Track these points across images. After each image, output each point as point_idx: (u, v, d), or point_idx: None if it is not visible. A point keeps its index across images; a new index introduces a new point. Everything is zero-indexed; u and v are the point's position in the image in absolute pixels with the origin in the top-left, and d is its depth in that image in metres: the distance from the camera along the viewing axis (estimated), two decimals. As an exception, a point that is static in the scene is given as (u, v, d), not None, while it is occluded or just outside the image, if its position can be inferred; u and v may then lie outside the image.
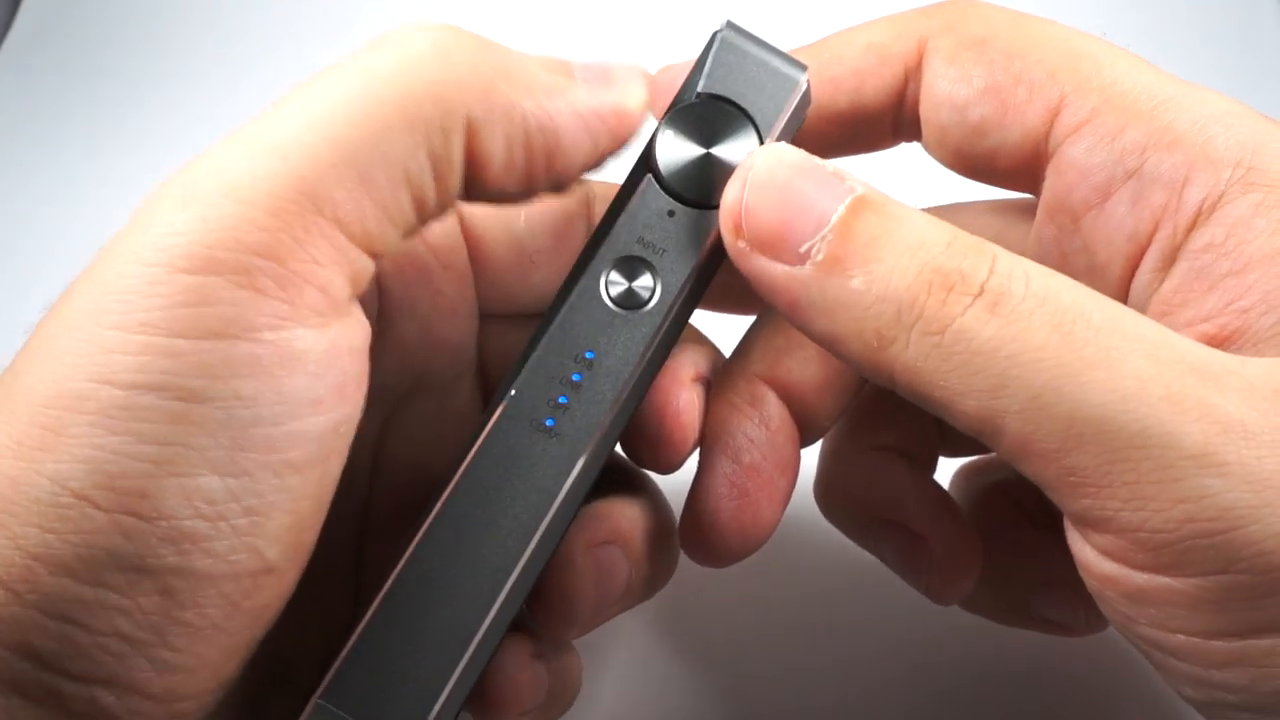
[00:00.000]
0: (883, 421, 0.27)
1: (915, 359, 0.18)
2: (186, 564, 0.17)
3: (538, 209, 0.25)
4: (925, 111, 0.23)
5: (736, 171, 0.20)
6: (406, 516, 0.25)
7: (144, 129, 0.48)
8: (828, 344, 0.20)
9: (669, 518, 0.24)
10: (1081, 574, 0.19)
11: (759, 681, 0.32)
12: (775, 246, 0.19)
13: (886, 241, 0.19)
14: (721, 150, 0.21)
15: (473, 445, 0.20)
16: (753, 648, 0.32)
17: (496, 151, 0.20)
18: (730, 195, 0.20)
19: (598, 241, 0.21)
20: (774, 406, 0.24)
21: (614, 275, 0.21)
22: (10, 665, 0.17)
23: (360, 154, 0.18)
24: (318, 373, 0.18)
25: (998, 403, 0.18)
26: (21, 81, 0.50)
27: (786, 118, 0.21)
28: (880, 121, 0.24)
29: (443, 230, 0.25)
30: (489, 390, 0.26)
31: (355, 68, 0.19)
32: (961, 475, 0.30)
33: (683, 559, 0.25)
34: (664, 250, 0.21)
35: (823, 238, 0.19)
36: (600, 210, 0.24)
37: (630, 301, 0.21)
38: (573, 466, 0.20)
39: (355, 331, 0.19)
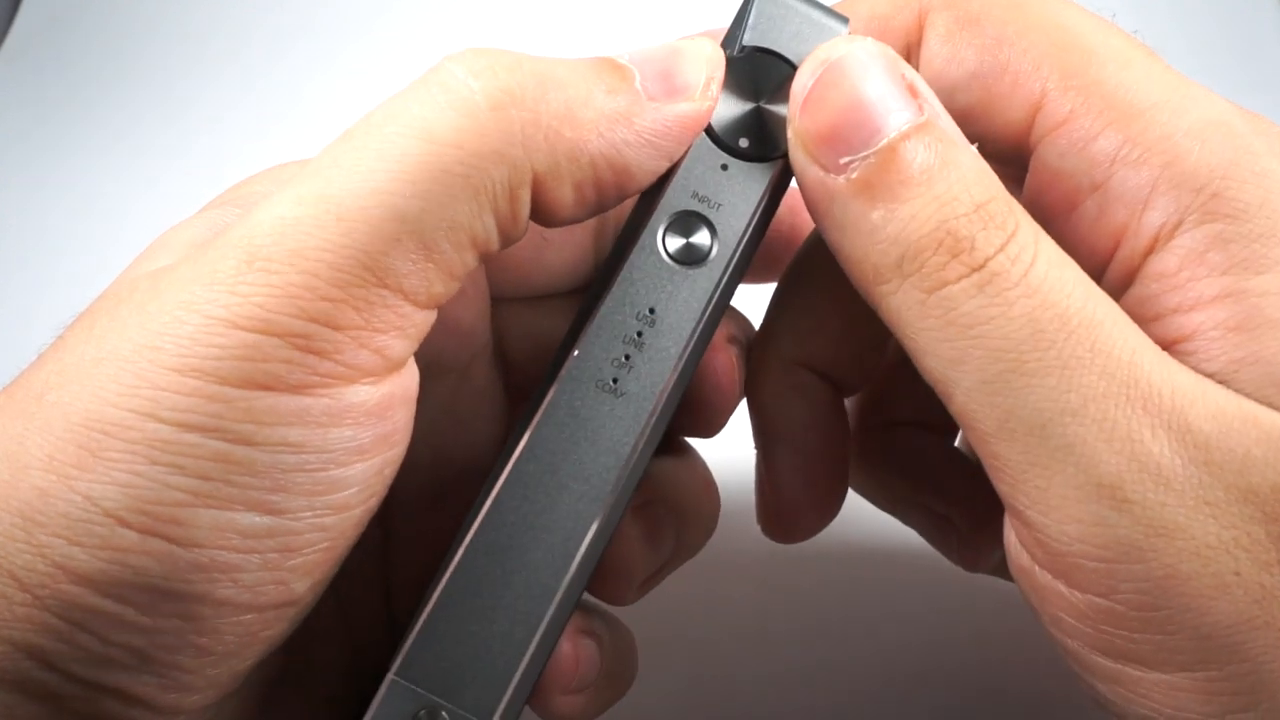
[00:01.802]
0: (900, 394, 0.28)
1: (900, 306, 0.19)
2: (212, 592, 0.17)
3: None
4: None
5: (817, 52, 0.20)
6: (429, 503, 0.25)
7: (144, 129, 0.48)
8: (833, 251, 0.20)
9: (707, 475, 0.25)
10: (1006, 556, 0.20)
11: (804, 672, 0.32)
12: (820, 148, 0.19)
13: (919, 185, 0.19)
14: (771, 103, 0.21)
15: (537, 409, 0.20)
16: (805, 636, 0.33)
17: (565, 195, 0.20)
18: (800, 78, 0.20)
19: (652, 199, 0.21)
20: (816, 388, 0.25)
21: (671, 232, 0.21)
22: (16, 663, 0.17)
23: (425, 224, 0.18)
24: (366, 424, 0.18)
25: (952, 373, 0.18)
26: (21, 81, 0.50)
27: None
28: None
29: None
30: (508, 374, 0.26)
31: (408, 120, 0.18)
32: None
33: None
34: (719, 204, 0.21)
35: (864, 158, 0.19)
36: None
37: (689, 257, 0.21)
38: (641, 424, 0.20)
39: (408, 383, 0.19)
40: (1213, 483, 0.17)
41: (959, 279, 0.18)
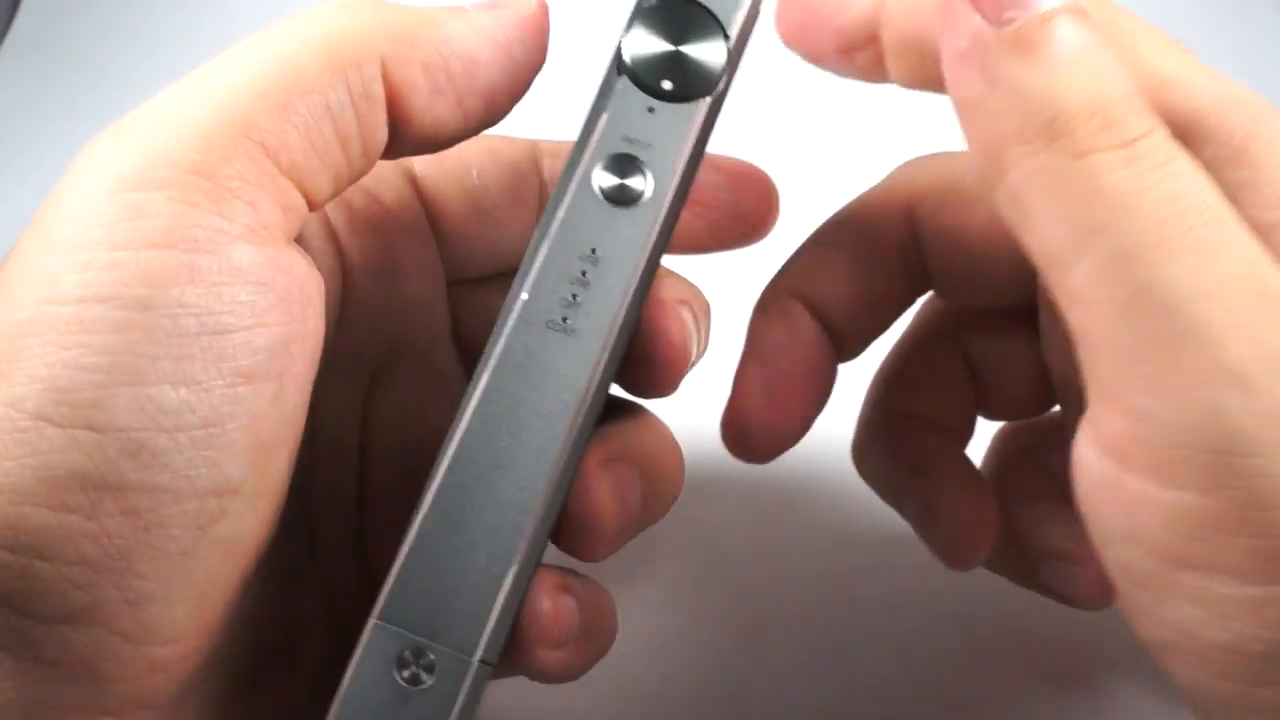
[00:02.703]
0: (918, 390, 0.28)
1: (1041, 169, 0.18)
2: (147, 479, 0.17)
3: (488, 165, 0.26)
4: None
5: None
6: (402, 485, 0.25)
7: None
8: (966, 117, 0.20)
9: (668, 434, 0.25)
10: (1075, 485, 0.20)
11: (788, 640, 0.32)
12: (957, 19, 0.19)
13: (1081, 54, 0.19)
14: (690, 47, 0.22)
15: (492, 353, 0.21)
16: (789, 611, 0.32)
17: (416, 78, 0.21)
18: None
19: (584, 144, 0.22)
20: (803, 318, 0.26)
21: (605, 174, 0.21)
22: None
23: (280, 87, 0.19)
24: (259, 285, 0.19)
25: (1086, 242, 0.18)
26: (21, 81, 0.50)
27: (746, 10, 0.22)
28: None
29: (396, 193, 0.25)
30: (466, 356, 0.27)
31: (274, 29, 0.20)
32: (1002, 435, 0.30)
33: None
34: (650, 145, 0.22)
35: (1029, 17, 0.19)
36: (551, 165, 0.26)
37: (624, 197, 0.21)
38: (593, 360, 0.21)
39: (295, 259, 0.20)
40: None
41: (1110, 149, 0.18)
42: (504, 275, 0.26)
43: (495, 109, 0.22)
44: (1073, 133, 0.18)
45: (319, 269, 0.21)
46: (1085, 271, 0.18)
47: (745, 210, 0.26)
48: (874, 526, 0.32)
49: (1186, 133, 0.20)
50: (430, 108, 0.21)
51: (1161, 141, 0.19)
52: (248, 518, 0.19)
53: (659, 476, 0.24)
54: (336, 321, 0.24)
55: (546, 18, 0.23)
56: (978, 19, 0.19)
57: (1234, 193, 0.19)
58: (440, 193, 0.26)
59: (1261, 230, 0.19)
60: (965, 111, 0.20)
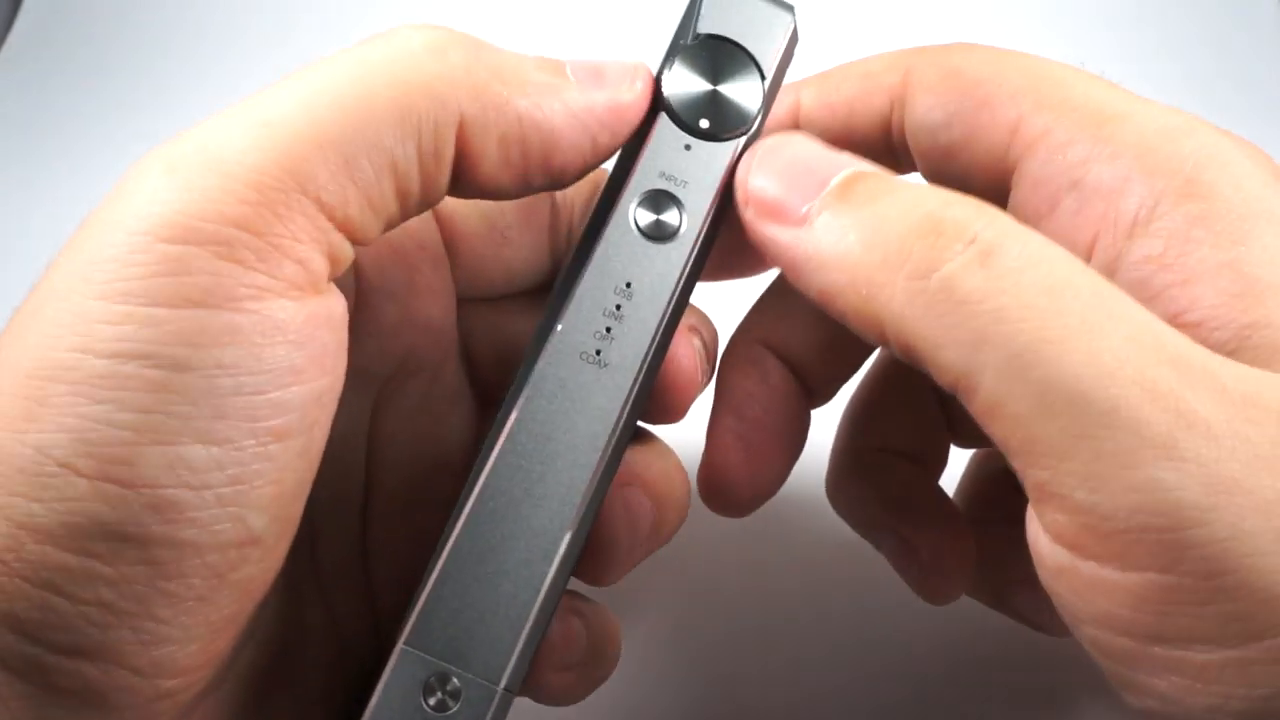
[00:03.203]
0: (888, 422, 0.28)
1: (902, 306, 0.18)
2: (171, 533, 0.17)
3: None
4: (909, 137, 0.24)
5: (748, 152, 0.22)
6: (407, 498, 0.25)
7: (144, 129, 0.48)
8: (825, 303, 0.20)
9: (675, 460, 0.25)
10: (1036, 568, 0.19)
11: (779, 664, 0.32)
12: (780, 212, 0.20)
13: (883, 197, 0.19)
14: (727, 86, 0.23)
15: (525, 382, 0.21)
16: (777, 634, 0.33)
17: (490, 149, 0.20)
18: (741, 169, 0.22)
19: (622, 178, 0.22)
20: (773, 366, 0.25)
21: (642, 209, 0.22)
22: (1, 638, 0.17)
23: (347, 139, 0.18)
24: (297, 342, 0.18)
25: (976, 358, 0.18)
26: (21, 81, 0.50)
27: (782, 53, 0.23)
28: (873, 146, 0.25)
29: None
30: (474, 375, 0.27)
31: (349, 58, 0.19)
32: (975, 460, 0.31)
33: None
34: (685, 182, 0.22)
35: (822, 198, 0.20)
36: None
37: (660, 232, 0.22)
38: (625, 392, 0.21)
39: (333, 305, 0.19)
40: (1260, 438, 0.17)
41: (955, 256, 0.18)
42: (510, 298, 0.26)
43: (559, 184, 0.22)
44: (911, 255, 0.18)
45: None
46: (986, 386, 0.18)
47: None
48: (861, 550, 0.33)
49: (1137, 164, 0.20)
50: (495, 176, 0.21)
51: (1008, 227, 0.18)
52: (266, 561, 0.19)
53: (668, 502, 0.24)
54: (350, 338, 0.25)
55: (644, 104, 0.22)
56: (786, 230, 0.20)
57: (1189, 229, 0.19)
58: (456, 211, 0.25)
59: (1223, 266, 0.19)
60: (826, 304, 0.20)
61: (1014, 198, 0.23)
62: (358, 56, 0.19)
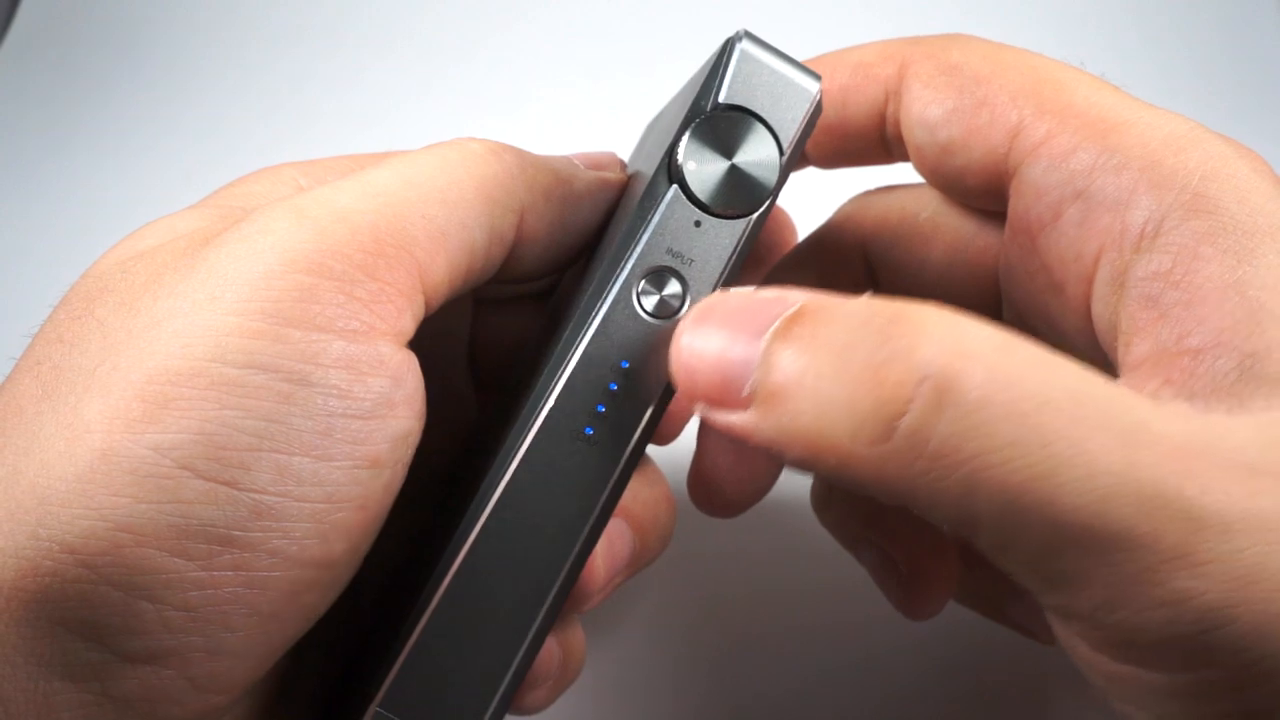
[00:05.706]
0: None
1: (878, 470, 0.17)
2: (266, 540, 0.18)
3: None
4: (904, 131, 0.24)
5: (671, 348, 0.20)
6: (404, 503, 0.25)
7: (144, 129, 0.48)
8: (807, 471, 0.19)
9: (664, 488, 0.25)
10: (1063, 646, 0.19)
11: (757, 668, 0.32)
12: (722, 400, 0.19)
13: (813, 356, 0.17)
14: (744, 161, 0.21)
15: (510, 459, 0.21)
16: (756, 633, 0.33)
17: (541, 234, 0.23)
18: (673, 369, 0.20)
19: (627, 252, 0.21)
20: None
21: (645, 285, 0.21)
22: (63, 646, 0.17)
23: (443, 214, 0.21)
24: (396, 379, 0.20)
25: (970, 509, 0.16)
26: (21, 81, 0.50)
27: (802, 127, 0.22)
28: (865, 137, 0.25)
29: None
30: (477, 374, 0.27)
31: (429, 155, 0.22)
32: None
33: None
34: (692, 260, 0.21)
35: (753, 380, 0.18)
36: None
37: (662, 311, 0.21)
38: (612, 472, 0.21)
39: (414, 364, 0.21)
40: (1271, 509, 0.16)
41: (911, 405, 0.16)
42: (513, 301, 0.27)
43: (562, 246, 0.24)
44: (864, 420, 0.17)
45: None
46: (987, 532, 0.17)
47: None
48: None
49: (1144, 177, 0.20)
50: (541, 256, 0.23)
51: (956, 344, 0.16)
52: (330, 591, 0.20)
53: (652, 533, 0.24)
54: None
55: (624, 181, 0.25)
56: (736, 415, 0.18)
57: (1197, 245, 0.19)
58: None
59: (1229, 289, 0.19)
60: (810, 469, 0.19)
61: (1014, 204, 0.22)
62: (437, 154, 0.22)
